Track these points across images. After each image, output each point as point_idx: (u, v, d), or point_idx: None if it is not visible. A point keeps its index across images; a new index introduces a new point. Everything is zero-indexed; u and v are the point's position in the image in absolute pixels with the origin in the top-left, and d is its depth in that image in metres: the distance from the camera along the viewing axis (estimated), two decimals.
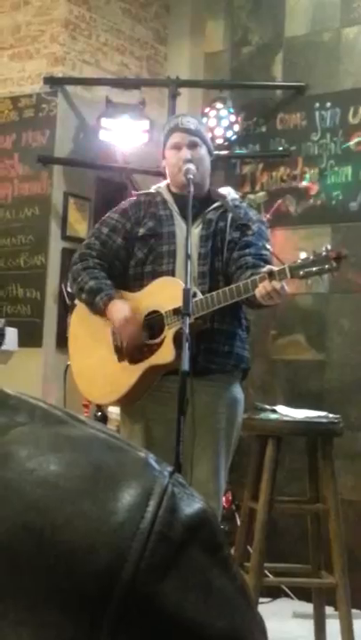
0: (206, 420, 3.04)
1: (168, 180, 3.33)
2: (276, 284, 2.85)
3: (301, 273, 2.89)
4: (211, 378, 3.09)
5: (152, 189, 3.40)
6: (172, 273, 3.15)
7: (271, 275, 2.86)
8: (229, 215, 3.21)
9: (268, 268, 2.92)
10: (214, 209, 3.23)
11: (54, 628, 0.43)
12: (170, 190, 3.30)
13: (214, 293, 3.00)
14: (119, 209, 3.34)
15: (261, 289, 2.87)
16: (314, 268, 2.88)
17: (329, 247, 2.95)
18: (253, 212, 3.41)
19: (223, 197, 3.27)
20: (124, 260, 3.27)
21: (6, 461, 0.47)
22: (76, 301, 3.39)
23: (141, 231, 3.23)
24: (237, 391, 3.21)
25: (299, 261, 2.90)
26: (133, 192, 3.58)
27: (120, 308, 3.14)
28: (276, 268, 2.89)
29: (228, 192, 3.33)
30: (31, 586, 0.44)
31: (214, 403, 3.11)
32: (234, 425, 3.17)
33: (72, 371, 3.43)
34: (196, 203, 3.15)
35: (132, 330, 3.12)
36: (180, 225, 3.20)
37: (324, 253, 2.89)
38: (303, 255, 2.91)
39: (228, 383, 3.17)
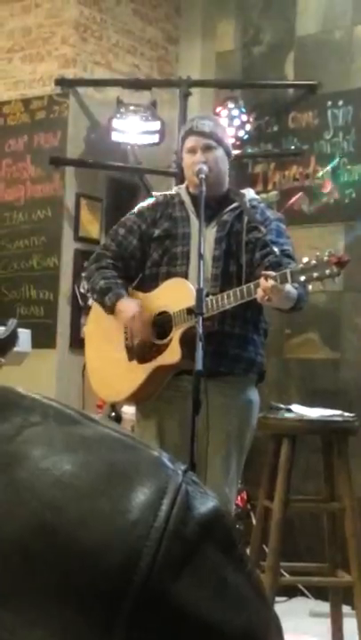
0: (219, 421, 3.05)
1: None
2: (271, 284, 2.80)
3: (303, 278, 2.85)
4: (225, 380, 3.10)
5: (173, 191, 3.42)
6: (185, 274, 3.16)
7: (273, 279, 2.81)
8: (245, 216, 3.21)
9: (268, 272, 2.87)
10: (231, 210, 3.22)
11: (68, 627, 0.43)
12: (188, 192, 3.31)
13: (219, 295, 3.00)
14: (136, 210, 3.36)
15: (259, 291, 2.85)
16: (315, 274, 2.84)
17: (332, 251, 2.90)
18: (271, 210, 3.39)
19: (241, 198, 3.25)
20: (141, 261, 3.29)
21: (20, 461, 0.47)
22: (92, 302, 3.44)
23: (156, 232, 3.25)
24: (252, 393, 3.20)
25: (300, 266, 2.87)
26: (153, 193, 3.58)
27: (128, 306, 3.18)
28: (272, 273, 2.84)
29: (248, 192, 3.33)
30: (45, 585, 0.44)
31: (227, 404, 3.11)
32: (247, 426, 3.16)
33: (87, 370, 3.50)
34: (213, 204, 3.17)
35: (140, 326, 3.14)
36: (195, 226, 3.19)
37: (325, 258, 2.84)
38: (305, 259, 2.87)
39: (243, 385, 3.18)
